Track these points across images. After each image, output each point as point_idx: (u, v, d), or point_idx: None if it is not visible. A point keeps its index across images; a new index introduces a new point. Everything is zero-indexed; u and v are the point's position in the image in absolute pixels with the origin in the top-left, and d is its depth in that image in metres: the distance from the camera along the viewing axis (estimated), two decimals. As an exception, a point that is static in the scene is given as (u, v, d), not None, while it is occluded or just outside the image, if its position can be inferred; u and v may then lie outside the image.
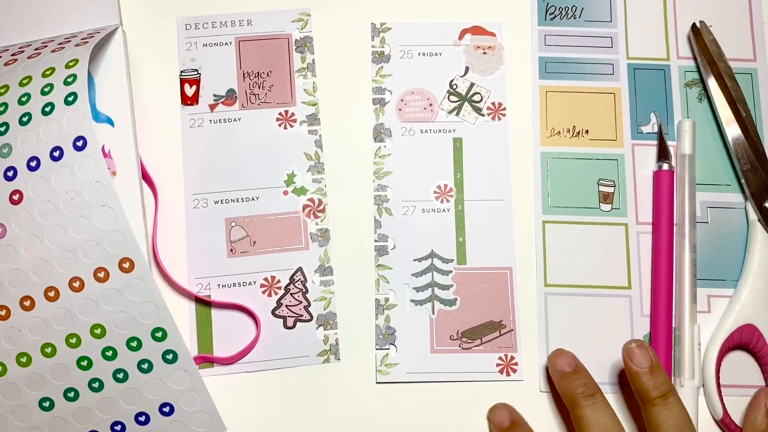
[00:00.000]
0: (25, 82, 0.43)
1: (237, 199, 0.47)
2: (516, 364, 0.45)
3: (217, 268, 0.46)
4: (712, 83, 0.48)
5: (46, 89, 0.42)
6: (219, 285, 0.46)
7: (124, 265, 0.41)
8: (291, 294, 0.46)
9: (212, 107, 0.48)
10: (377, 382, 0.45)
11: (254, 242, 0.46)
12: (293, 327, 0.45)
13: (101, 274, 0.41)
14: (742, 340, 0.44)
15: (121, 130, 0.44)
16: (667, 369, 0.44)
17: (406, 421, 0.44)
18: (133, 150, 0.44)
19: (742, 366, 0.45)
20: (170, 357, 0.41)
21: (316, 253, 0.46)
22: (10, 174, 0.41)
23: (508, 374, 0.45)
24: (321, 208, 0.47)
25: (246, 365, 0.45)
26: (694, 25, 0.49)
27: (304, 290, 0.46)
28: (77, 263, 0.40)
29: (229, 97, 0.48)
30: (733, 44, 0.49)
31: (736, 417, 0.43)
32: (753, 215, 0.46)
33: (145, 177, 0.46)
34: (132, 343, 0.41)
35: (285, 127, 0.48)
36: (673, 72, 0.49)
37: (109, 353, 0.41)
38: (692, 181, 0.46)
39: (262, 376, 0.45)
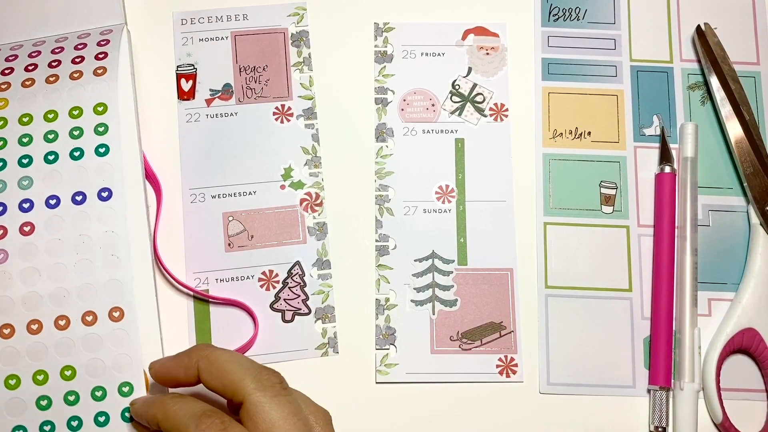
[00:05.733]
0: (50, 117, 0.47)
1: (234, 194, 0.51)
2: (516, 365, 0.50)
3: (214, 262, 0.50)
4: (716, 85, 0.52)
5: (75, 132, 0.47)
6: (217, 279, 0.50)
7: (114, 314, 0.45)
8: (289, 288, 0.50)
9: (209, 102, 0.53)
10: (377, 382, 0.49)
11: (252, 236, 0.51)
12: (291, 321, 0.49)
13: (89, 318, 0.45)
14: (742, 344, 0.49)
15: (125, 129, 0.48)
16: (667, 372, 0.48)
17: (406, 421, 0.48)
18: (137, 148, 0.48)
19: (742, 370, 0.49)
20: (128, 415, 0.44)
21: (313, 247, 0.51)
22: (26, 206, 0.46)
23: (507, 376, 0.50)
24: (318, 202, 0.52)
25: (243, 361, 0.49)
26: (698, 27, 0.53)
27: (302, 284, 0.50)
28: (69, 303, 0.45)
29: (226, 92, 0.53)
30: (736, 47, 0.53)
31: (737, 421, 0.48)
32: (755, 219, 0.50)
33: (149, 175, 0.50)
34: (97, 393, 0.44)
35: (281, 122, 0.53)
36: (676, 74, 0.54)
37: (72, 398, 0.44)
38: (694, 184, 0.51)
39: (259, 370, 0.49)
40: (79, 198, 0.47)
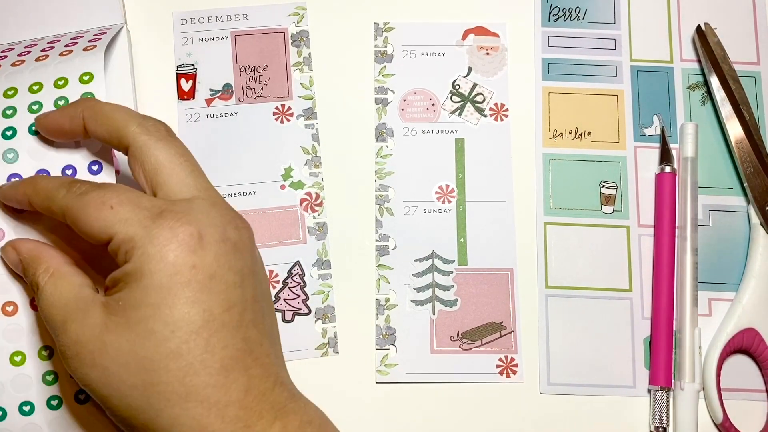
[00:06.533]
0: (35, 88, 0.46)
1: (234, 194, 0.51)
2: (516, 365, 0.50)
3: (214, 262, 0.51)
4: (716, 85, 0.53)
5: (59, 102, 0.46)
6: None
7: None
8: (289, 288, 0.50)
9: (209, 102, 0.53)
10: (377, 383, 0.49)
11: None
12: (291, 321, 0.50)
13: None
14: (743, 344, 0.49)
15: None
16: (667, 372, 0.49)
17: (406, 421, 0.49)
18: None
19: (742, 370, 0.50)
20: None
21: (313, 247, 0.51)
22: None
23: (508, 376, 0.50)
24: (318, 202, 0.52)
25: (241, 362, 0.50)
26: (699, 27, 0.54)
27: (302, 284, 0.50)
28: None
29: (226, 92, 0.53)
30: (736, 47, 0.54)
31: (737, 421, 0.48)
32: (755, 219, 0.51)
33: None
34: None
35: (281, 121, 0.53)
36: (676, 74, 0.54)
37: (50, 377, 0.44)
38: (694, 184, 0.51)
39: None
40: (69, 172, 0.45)
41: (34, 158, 0.46)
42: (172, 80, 0.54)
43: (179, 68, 0.54)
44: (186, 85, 0.53)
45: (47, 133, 0.42)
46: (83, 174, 0.45)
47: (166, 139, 0.39)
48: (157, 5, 0.55)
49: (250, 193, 0.52)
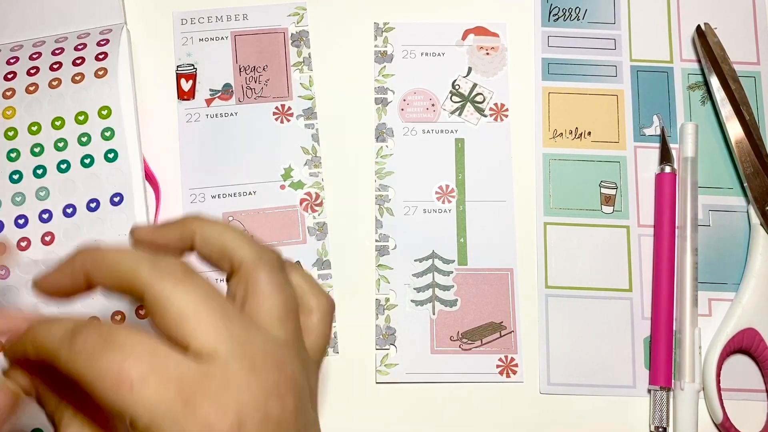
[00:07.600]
0: (57, 124, 0.49)
1: (234, 194, 0.52)
2: (516, 365, 0.50)
3: (214, 262, 0.51)
4: (716, 85, 0.53)
5: (83, 139, 0.49)
6: (218, 279, 0.51)
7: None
8: (290, 288, 0.51)
9: (209, 102, 0.53)
10: (377, 382, 0.49)
11: (252, 237, 0.51)
12: (292, 321, 0.50)
13: (118, 317, 0.47)
14: (743, 344, 0.49)
15: (125, 129, 0.49)
16: (667, 372, 0.49)
17: (406, 421, 0.49)
18: (137, 149, 0.49)
19: (742, 370, 0.50)
20: None
21: (313, 247, 0.51)
22: (45, 216, 0.48)
23: (508, 376, 0.50)
24: (318, 202, 0.52)
25: (241, 363, 0.50)
26: (698, 27, 0.54)
27: (303, 284, 0.51)
28: (94, 305, 0.46)
29: (226, 92, 0.54)
30: (736, 47, 0.54)
31: (737, 421, 0.48)
32: (755, 219, 0.51)
33: (148, 175, 0.51)
34: None
35: (281, 122, 0.53)
36: (676, 74, 0.54)
37: None
38: (694, 184, 0.51)
39: (259, 371, 0.50)
40: (93, 205, 0.48)
41: (63, 194, 0.49)
42: (172, 80, 0.54)
43: (179, 68, 0.54)
44: (186, 85, 0.54)
45: (49, 297, 0.36)
46: (106, 206, 0.48)
47: (185, 281, 0.32)
48: (157, 5, 0.55)
49: (250, 193, 0.52)
